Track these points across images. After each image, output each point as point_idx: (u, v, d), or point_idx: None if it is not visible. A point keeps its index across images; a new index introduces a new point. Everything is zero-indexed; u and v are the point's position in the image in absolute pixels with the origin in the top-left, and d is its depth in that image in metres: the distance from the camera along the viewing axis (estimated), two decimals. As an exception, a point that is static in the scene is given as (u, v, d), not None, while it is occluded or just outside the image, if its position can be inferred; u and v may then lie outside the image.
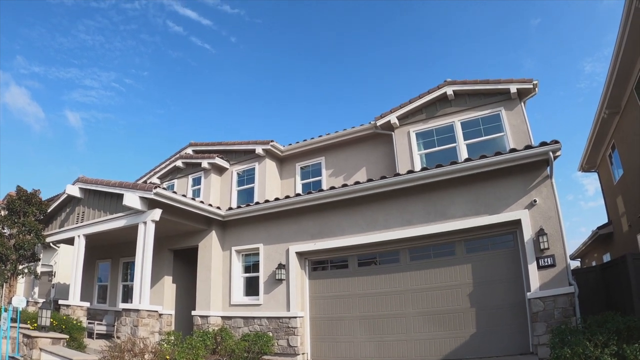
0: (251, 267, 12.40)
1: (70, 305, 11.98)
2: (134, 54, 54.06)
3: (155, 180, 16.20)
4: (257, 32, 53.03)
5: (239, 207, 12.49)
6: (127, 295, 14.31)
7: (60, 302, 12.43)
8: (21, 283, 15.08)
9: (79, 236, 12.71)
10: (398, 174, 10.17)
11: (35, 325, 10.07)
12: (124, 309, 10.91)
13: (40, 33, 47.13)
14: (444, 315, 9.47)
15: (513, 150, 9.03)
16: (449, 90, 11.93)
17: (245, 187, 14.78)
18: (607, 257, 16.79)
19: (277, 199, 11.70)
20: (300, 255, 11.49)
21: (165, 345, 9.70)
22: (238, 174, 15.12)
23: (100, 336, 12.87)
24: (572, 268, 8.59)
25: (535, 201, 8.77)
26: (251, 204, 12.32)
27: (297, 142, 14.58)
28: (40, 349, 9.44)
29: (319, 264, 11.58)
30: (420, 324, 9.67)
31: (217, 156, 15.00)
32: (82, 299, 12.56)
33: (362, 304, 10.49)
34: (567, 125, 59.73)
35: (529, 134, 10.84)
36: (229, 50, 57.04)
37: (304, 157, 14.83)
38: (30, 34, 46.12)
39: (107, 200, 12.29)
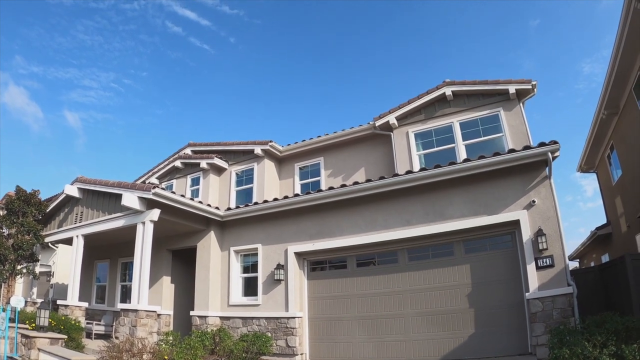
0: (250, 267, 12.39)
1: (68, 306, 11.96)
2: (133, 54, 54.08)
3: (154, 180, 16.18)
4: (257, 33, 53.08)
5: (237, 207, 12.49)
6: (126, 296, 14.30)
7: (59, 302, 12.41)
8: (20, 283, 15.05)
9: (77, 236, 12.70)
10: (397, 175, 10.17)
11: (34, 325, 10.06)
12: (122, 309, 10.89)
13: (39, 33, 47.15)
14: (442, 316, 9.47)
15: (512, 150, 9.04)
16: (448, 90, 11.94)
17: (244, 187, 14.77)
18: (605, 258, 16.80)
19: (275, 200, 11.70)
20: (299, 255, 11.48)
21: (163, 345, 9.69)
22: (237, 174, 15.11)
23: (99, 336, 12.86)
24: (570, 268, 8.59)
25: (533, 202, 8.77)
26: (250, 204, 12.31)
27: (296, 143, 14.57)
28: (39, 349, 9.43)
29: (318, 265, 11.57)
30: (419, 325, 9.66)
31: (216, 156, 14.99)
32: (81, 299, 12.53)
33: (361, 305, 10.48)
34: (565, 126, 59.87)
35: (527, 134, 10.85)
36: (228, 50, 57.10)
37: (302, 157, 14.83)
38: (29, 33, 46.13)
39: (106, 201, 12.28)
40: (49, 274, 18.25)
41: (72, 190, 12.96)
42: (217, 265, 12.54)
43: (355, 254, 10.91)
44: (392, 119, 12.60)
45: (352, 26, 49.76)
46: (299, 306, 11.04)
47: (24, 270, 13.48)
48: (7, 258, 12.84)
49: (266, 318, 11.24)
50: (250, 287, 12.18)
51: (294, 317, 10.83)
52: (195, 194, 15.19)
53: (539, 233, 8.49)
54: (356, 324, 10.42)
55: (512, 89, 11.12)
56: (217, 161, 14.97)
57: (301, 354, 10.67)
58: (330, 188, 10.91)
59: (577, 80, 59.35)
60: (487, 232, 9.38)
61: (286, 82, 62.08)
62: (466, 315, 9.23)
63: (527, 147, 8.79)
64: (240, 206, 12.41)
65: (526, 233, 8.68)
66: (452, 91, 11.93)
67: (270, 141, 14.30)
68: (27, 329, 10.12)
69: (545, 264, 8.39)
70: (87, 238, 12.83)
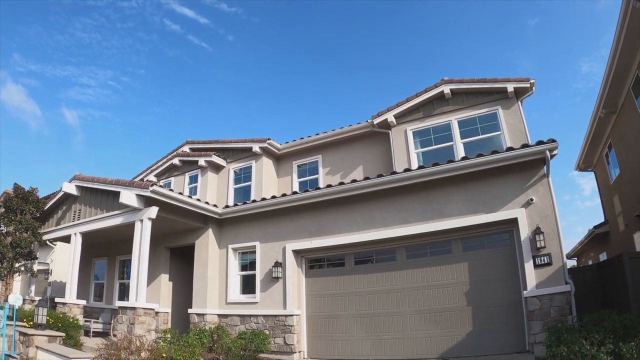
0: (248, 265, 12.39)
1: (66, 303, 11.95)
2: (131, 52, 53.88)
3: (152, 178, 16.17)
4: (255, 31, 52.93)
5: (235, 205, 12.48)
6: (124, 293, 14.28)
7: (57, 300, 12.40)
8: (18, 281, 15.01)
9: (75, 234, 12.68)
10: (395, 172, 10.17)
11: (32, 323, 10.04)
12: (120, 307, 10.88)
13: (37, 31, 46.92)
14: (440, 314, 9.48)
15: (510, 149, 9.04)
16: (446, 88, 11.93)
17: (242, 185, 14.76)
18: (603, 256, 16.84)
19: (273, 197, 11.69)
20: (297, 253, 11.48)
21: (161, 343, 9.68)
22: (235, 172, 15.09)
23: (97, 334, 12.85)
24: (568, 267, 8.61)
25: (531, 200, 8.78)
26: (248, 202, 12.30)
27: (294, 140, 14.56)
28: (37, 347, 9.40)
29: (316, 262, 11.58)
30: (417, 322, 9.68)
31: (214, 154, 14.97)
32: (79, 297, 12.53)
33: (359, 302, 10.49)
34: (564, 125, 59.82)
35: (525, 133, 10.85)
36: (226, 48, 56.91)
37: (300, 155, 14.82)
38: (27, 31, 45.90)
39: (104, 198, 12.26)
40: (47, 272, 18.23)
41: (70, 188, 12.94)
42: (215, 263, 12.53)
43: (353, 251, 10.92)
44: (390, 117, 12.60)
45: (351, 26, 49.72)
46: (297, 304, 11.04)
47: (22, 268, 13.45)
48: (5, 256, 12.81)
49: (264, 316, 11.24)
50: (248, 285, 12.18)
51: (292, 315, 10.83)
52: (193, 191, 15.18)
53: (537, 231, 8.50)
54: (354, 322, 10.43)
55: (510, 87, 11.13)
56: (215, 159, 14.95)
57: (299, 352, 10.68)
58: (329, 186, 10.91)
59: (575, 79, 59.43)
60: (485, 230, 9.39)
61: (285, 81, 62.01)
62: (464, 313, 9.24)
63: (525, 146, 8.80)
64: (239, 204, 12.40)
65: (524, 231, 8.69)
66: (450, 89, 11.92)
67: (269, 139, 14.28)
68: (25, 326, 10.09)
69: (543, 262, 8.40)
70: (85, 236, 12.80)
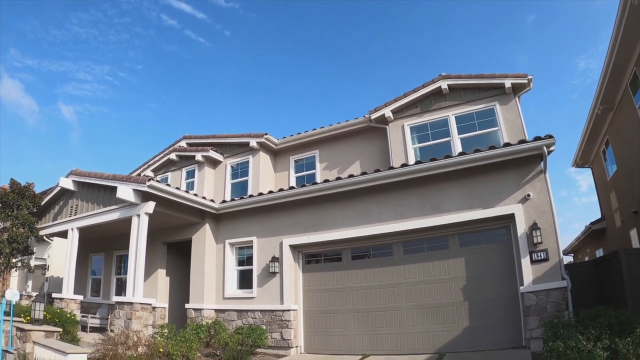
0: (245, 260, 12.39)
1: (63, 299, 11.93)
2: (128, 47, 53.52)
3: (149, 173, 16.12)
4: (252, 26, 52.61)
5: (232, 200, 12.46)
6: (121, 289, 14.26)
7: (54, 295, 12.38)
8: (14, 276, 15.01)
9: (72, 229, 12.64)
10: (392, 168, 10.17)
11: (29, 318, 10.01)
12: (117, 302, 10.87)
13: (34, 26, 46.55)
14: (437, 309, 9.51)
15: (507, 144, 9.05)
16: (444, 84, 11.92)
17: (239, 180, 14.74)
18: (600, 253, 16.92)
19: (271, 192, 11.68)
20: (294, 248, 11.49)
21: (158, 338, 9.70)
22: (232, 167, 15.07)
23: (94, 329, 12.84)
24: (565, 263, 8.63)
25: (528, 195, 8.79)
26: (245, 196, 12.28)
27: (292, 135, 14.53)
28: (34, 342, 9.38)
29: (313, 257, 11.58)
30: (414, 317, 9.70)
31: (211, 149, 14.94)
32: (76, 292, 12.52)
33: (356, 297, 10.51)
34: (561, 122, 59.78)
35: (523, 128, 10.85)
36: (224, 44, 56.59)
37: (298, 150, 14.79)
38: (24, 26, 45.51)
39: (101, 193, 12.22)
40: (44, 267, 18.18)
41: (67, 183, 12.89)
42: (212, 258, 12.52)
43: (350, 246, 10.92)
44: (387, 112, 12.58)
45: (348, 21, 49.51)
46: (294, 299, 11.05)
47: (19, 264, 13.41)
48: (1, 251, 12.76)
49: (261, 311, 11.25)
50: (245, 280, 12.18)
51: (289, 310, 10.85)
52: (190, 186, 15.15)
53: (534, 227, 8.51)
54: (351, 317, 10.45)
55: (507, 83, 11.12)
56: (213, 154, 14.92)
57: (296, 347, 10.70)
58: (326, 181, 10.90)
59: (572, 75, 59.32)
60: (482, 225, 9.40)
61: (282, 77, 61.67)
62: (460, 308, 9.27)
63: (522, 141, 8.80)
64: (236, 199, 12.39)
65: (521, 227, 8.70)
66: (448, 85, 11.90)
67: (266, 134, 14.25)
68: (22, 322, 10.07)
69: (539, 258, 8.42)
70: (82, 231, 12.77)
